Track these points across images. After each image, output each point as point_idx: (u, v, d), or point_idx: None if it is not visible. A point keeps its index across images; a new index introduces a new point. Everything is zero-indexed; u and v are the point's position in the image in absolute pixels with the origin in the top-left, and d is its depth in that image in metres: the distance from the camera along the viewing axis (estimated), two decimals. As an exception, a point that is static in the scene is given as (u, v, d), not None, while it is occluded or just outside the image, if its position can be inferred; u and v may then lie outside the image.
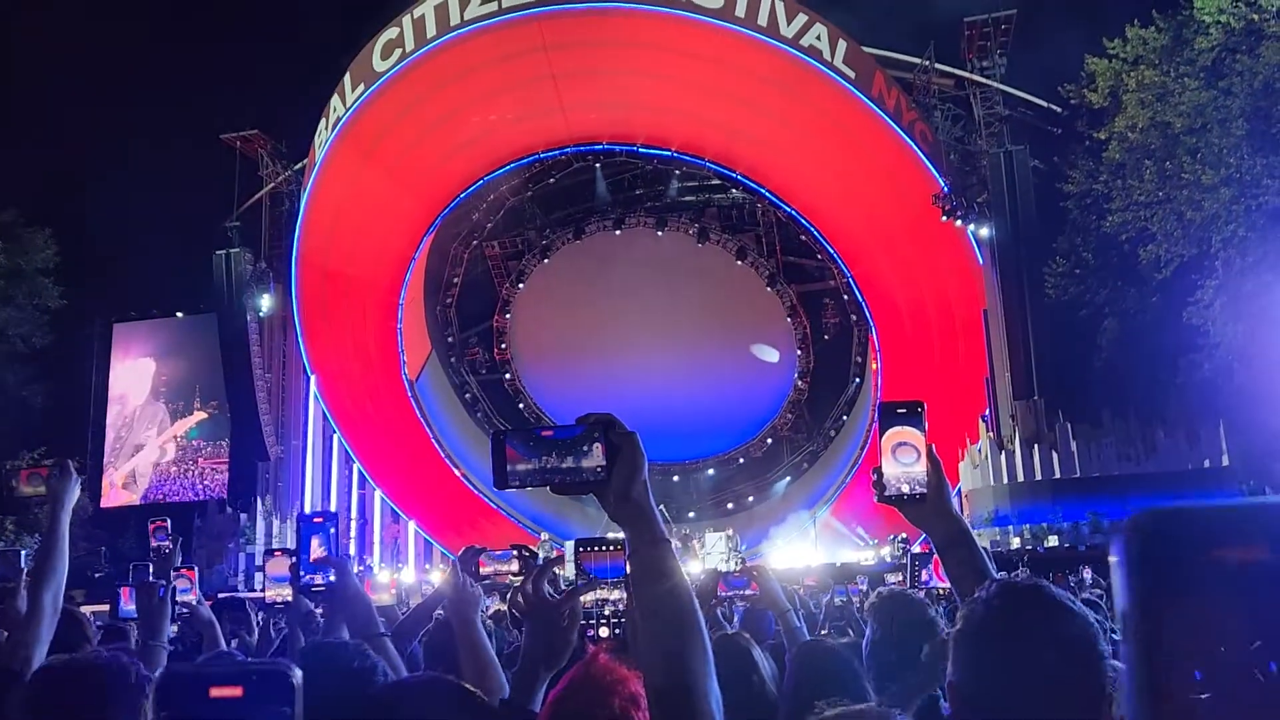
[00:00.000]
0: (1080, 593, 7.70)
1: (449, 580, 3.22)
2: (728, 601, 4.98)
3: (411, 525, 29.78)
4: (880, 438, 2.10)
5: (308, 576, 3.18)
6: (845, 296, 30.96)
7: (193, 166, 30.15)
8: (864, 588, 8.77)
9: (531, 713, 2.23)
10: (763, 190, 28.54)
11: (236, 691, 0.92)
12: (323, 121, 26.52)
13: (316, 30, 30.68)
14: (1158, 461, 22.25)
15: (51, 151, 28.90)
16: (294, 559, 3.30)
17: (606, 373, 30.46)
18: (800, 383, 33.45)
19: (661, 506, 1.78)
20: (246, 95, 30.51)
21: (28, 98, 30.84)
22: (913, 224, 25.13)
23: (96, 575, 23.43)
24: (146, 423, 32.60)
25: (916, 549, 12.68)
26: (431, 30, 24.63)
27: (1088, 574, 12.08)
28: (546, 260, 33.82)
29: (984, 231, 24.36)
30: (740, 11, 23.64)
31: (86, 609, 5.32)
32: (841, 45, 23.96)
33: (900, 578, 6.30)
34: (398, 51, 24.99)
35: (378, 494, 29.49)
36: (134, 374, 32.93)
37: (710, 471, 34.17)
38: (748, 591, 4.62)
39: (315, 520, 3.27)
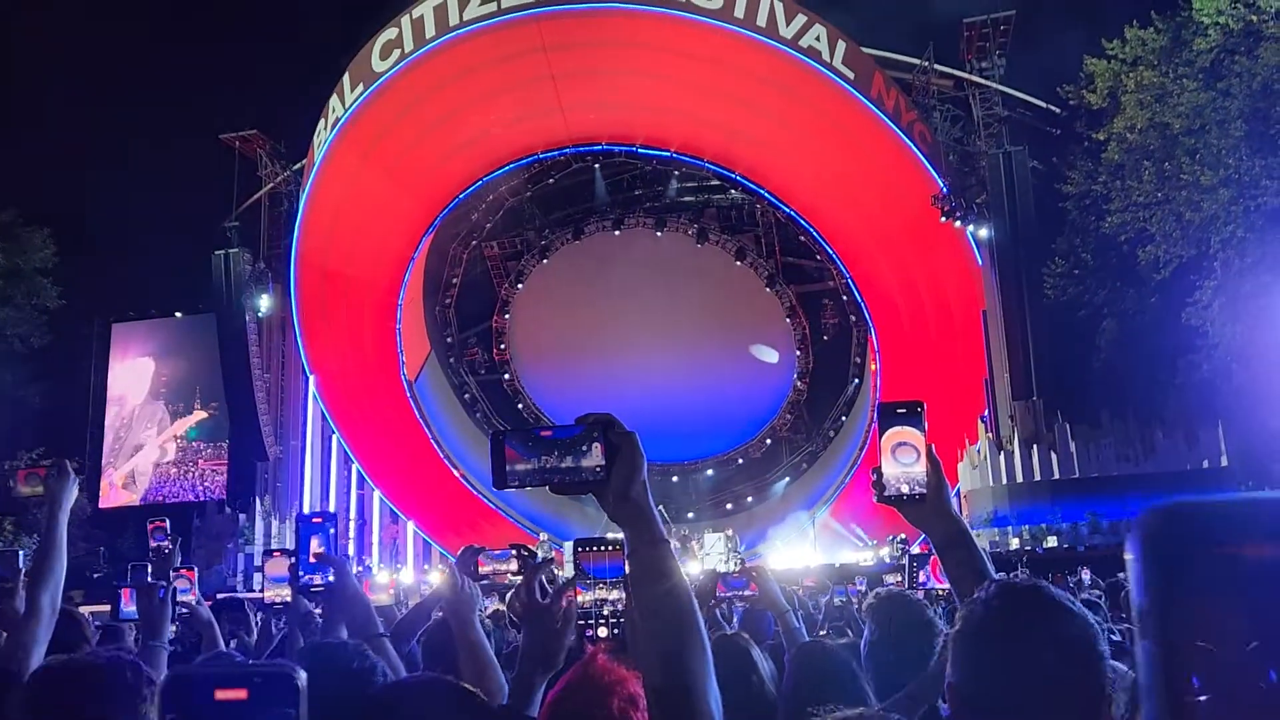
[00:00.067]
0: (1079, 593, 7.70)
1: (447, 580, 3.22)
2: (726, 602, 4.97)
3: (410, 526, 29.77)
4: (880, 438, 2.09)
5: (306, 577, 3.17)
6: (844, 297, 30.98)
7: (192, 166, 30.20)
8: (862, 588, 8.76)
9: (529, 717, 2.23)
10: (762, 191, 28.54)
11: (242, 694, 0.92)
12: (322, 122, 26.52)
13: (316, 30, 30.74)
14: (1156, 462, 22.25)
15: (50, 151, 28.91)
16: (293, 559, 3.30)
17: (605, 373, 30.45)
18: (799, 383, 33.46)
19: (660, 507, 1.77)
20: (246, 95, 30.59)
21: (27, 97, 30.87)
22: (912, 225, 25.14)
23: (95, 576, 23.44)
24: (146, 421, 32.58)
25: (915, 550, 12.69)
26: (430, 31, 24.62)
27: (1086, 575, 12.08)
28: (545, 261, 33.82)
29: (983, 232, 24.38)
30: (739, 12, 23.64)
31: (85, 609, 5.32)
32: (841, 46, 23.96)
33: (899, 578, 6.29)
34: (397, 52, 24.99)
35: (376, 494, 29.47)
36: (133, 374, 32.91)
37: (709, 472, 34.17)
38: (746, 592, 4.61)
39: (314, 520, 3.27)
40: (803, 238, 29.56)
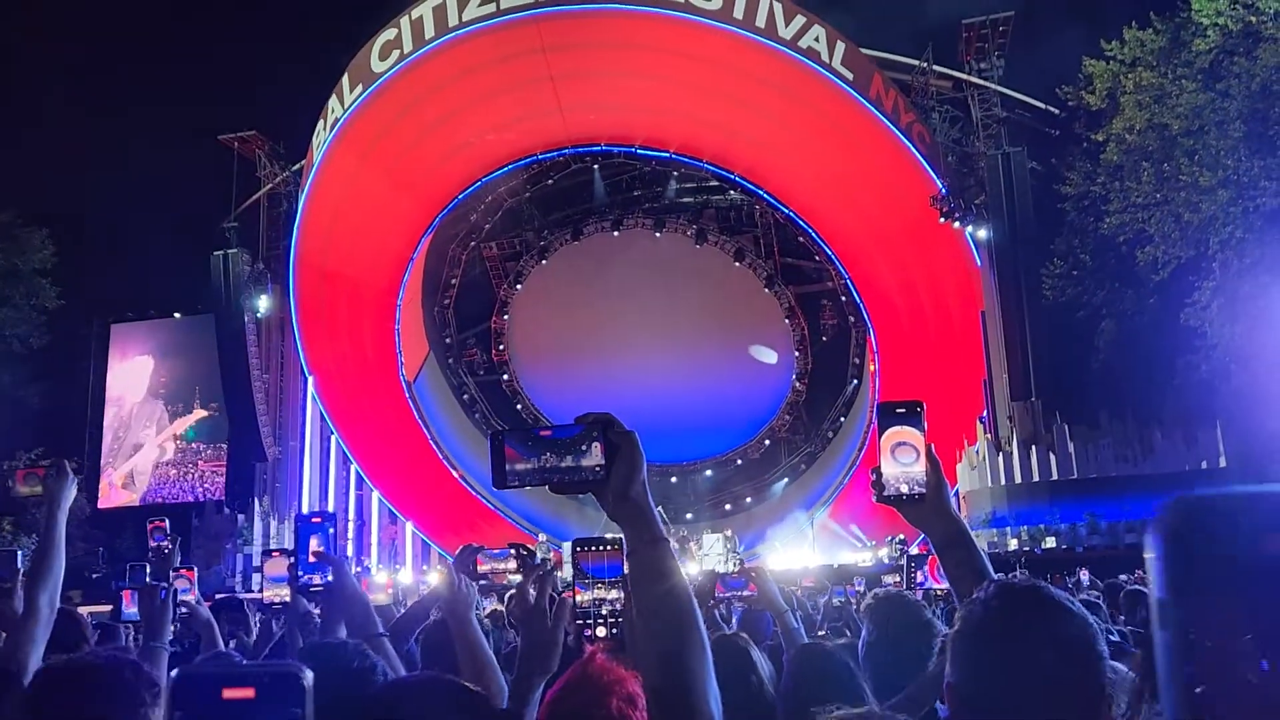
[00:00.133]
0: (1078, 594, 7.70)
1: (444, 580, 3.22)
2: (725, 602, 4.98)
3: (409, 526, 29.77)
4: (879, 438, 2.09)
5: (305, 576, 3.18)
6: (843, 298, 30.98)
7: (191, 167, 30.23)
8: (860, 589, 8.75)
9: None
10: (761, 192, 28.55)
11: (249, 693, 0.93)
12: (321, 122, 26.52)
13: (315, 30, 30.74)
14: (1155, 463, 22.26)
15: (50, 151, 28.91)
16: (292, 559, 3.30)
17: (604, 374, 30.45)
18: (798, 384, 33.46)
19: (660, 508, 1.77)
20: (245, 96, 30.59)
21: (26, 97, 30.86)
22: (911, 225, 25.15)
23: (94, 576, 23.43)
24: (144, 421, 32.57)
25: (914, 550, 12.68)
26: (430, 31, 24.62)
27: (1085, 576, 12.07)
28: (544, 261, 33.82)
29: (982, 233, 24.39)
30: (738, 13, 23.65)
31: (84, 609, 5.32)
32: (840, 47, 23.98)
33: (897, 579, 6.30)
34: (396, 53, 24.98)
35: (375, 495, 29.47)
36: (132, 373, 32.89)
37: (708, 473, 34.18)
38: (745, 592, 4.62)
39: (313, 520, 3.27)
40: (801, 238, 29.57)
